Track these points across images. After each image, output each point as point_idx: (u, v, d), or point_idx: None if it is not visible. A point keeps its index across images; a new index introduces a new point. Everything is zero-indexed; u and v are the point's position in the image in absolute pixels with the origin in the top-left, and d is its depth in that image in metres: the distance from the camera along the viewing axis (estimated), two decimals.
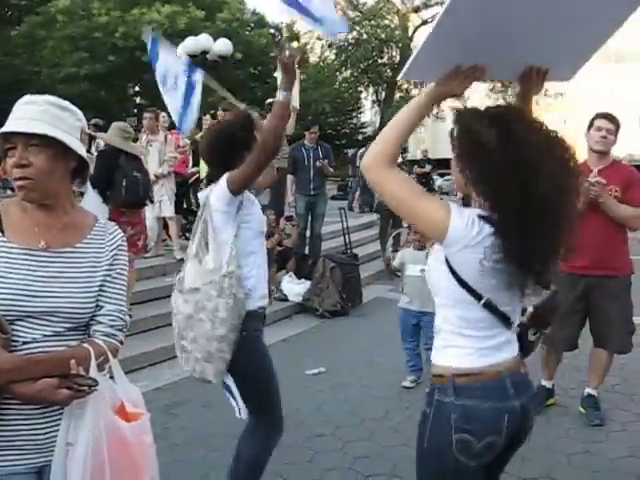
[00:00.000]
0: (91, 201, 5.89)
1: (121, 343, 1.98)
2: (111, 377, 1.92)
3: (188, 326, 3.01)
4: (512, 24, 1.98)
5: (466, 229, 1.87)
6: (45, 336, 1.84)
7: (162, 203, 8.03)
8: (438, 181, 17.65)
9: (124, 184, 6.02)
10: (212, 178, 3.13)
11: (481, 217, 1.89)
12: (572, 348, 4.58)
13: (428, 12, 30.15)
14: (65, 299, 1.86)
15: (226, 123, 3.21)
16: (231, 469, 3.14)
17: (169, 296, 6.78)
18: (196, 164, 9.24)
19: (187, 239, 9.36)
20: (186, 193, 9.43)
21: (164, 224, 8.31)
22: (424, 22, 30.18)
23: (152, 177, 7.94)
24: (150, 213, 7.98)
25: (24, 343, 1.82)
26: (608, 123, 4.29)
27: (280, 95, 2.91)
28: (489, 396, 1.97)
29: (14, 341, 1.80)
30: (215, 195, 3.00)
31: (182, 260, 7.65)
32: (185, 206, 9.57)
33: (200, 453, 4.07)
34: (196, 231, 3.08)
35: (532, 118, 1.99)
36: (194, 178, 9.45)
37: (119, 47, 26.42)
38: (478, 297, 1.94)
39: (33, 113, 1.86)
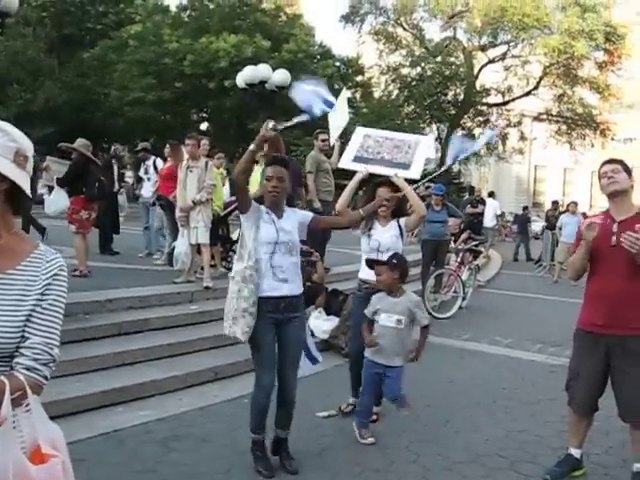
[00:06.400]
0: (58, 194, 8.28)
1: (45, 378, 1.85)
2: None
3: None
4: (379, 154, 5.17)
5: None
6: None
7: (198, 230, 7.96)
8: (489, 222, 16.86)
9: (96, 185, 8.56)
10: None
11: None
12: (592, 411, 4.22)
13: (495, 51, 29.82)
14: None
15: None
16: None
17: (192, 324, 6.89)
18: (233, 194, 9.30)
19: (228, 269, 9.27)
20: (224, 220, 9.38)
21: (197, 250, 8.22)
22: (490, 61, 29.89)
23: (189, 203, 7.95)
24: (185, 239, 7.97)
25: None
26: (609, 165, 4.02)
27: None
28: None
29: None
30: None
31: (208, 288, 7.70)
32: (222, 233, 9.48)
33: None
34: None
35: None
36: (234, 206, 9.40)
37: (186, 74, 27.07)
38: None
39: None
